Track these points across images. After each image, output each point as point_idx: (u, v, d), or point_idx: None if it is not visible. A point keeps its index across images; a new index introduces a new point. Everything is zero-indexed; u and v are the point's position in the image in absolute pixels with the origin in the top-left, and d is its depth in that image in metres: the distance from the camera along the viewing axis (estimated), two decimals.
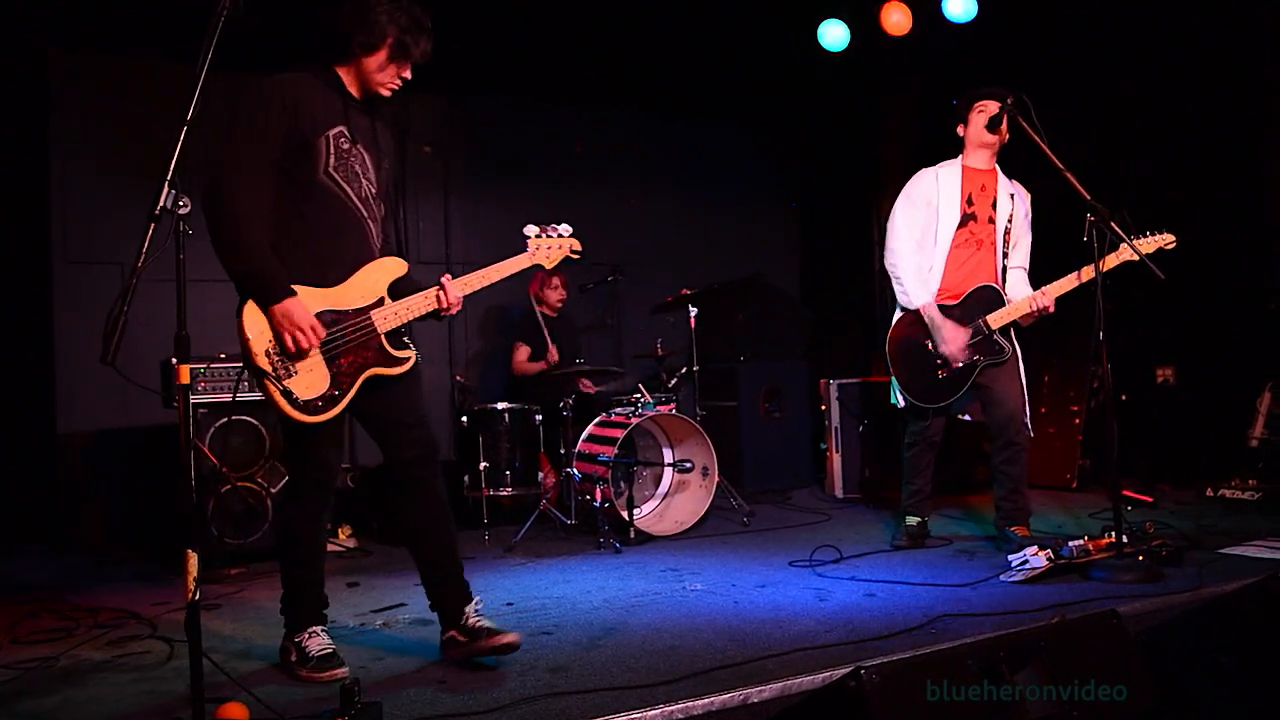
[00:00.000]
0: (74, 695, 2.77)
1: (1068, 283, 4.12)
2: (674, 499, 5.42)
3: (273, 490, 4.65)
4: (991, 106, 4.24)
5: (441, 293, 2.87)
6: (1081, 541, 3.70)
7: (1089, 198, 3.71)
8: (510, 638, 2.78)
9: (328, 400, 2.71)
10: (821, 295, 7.79)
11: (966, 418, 4.46)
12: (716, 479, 5.23)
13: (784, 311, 7.06)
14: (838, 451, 6.14)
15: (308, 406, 2.67)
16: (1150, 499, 5.11)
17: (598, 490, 4.85)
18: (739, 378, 6.48)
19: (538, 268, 3.15)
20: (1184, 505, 5.12)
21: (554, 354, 5.98)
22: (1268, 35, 5.54)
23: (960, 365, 4.20)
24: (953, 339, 4.20)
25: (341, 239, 2.79)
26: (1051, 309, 4.15)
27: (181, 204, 2.29)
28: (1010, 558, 3.73)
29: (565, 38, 6.37)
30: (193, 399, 4.51)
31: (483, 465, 5.24)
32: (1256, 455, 5.31)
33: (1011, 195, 4.38)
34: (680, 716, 2.40)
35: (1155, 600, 3.19)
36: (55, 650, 3.21)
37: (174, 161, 2.32)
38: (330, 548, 4.94)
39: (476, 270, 3.06)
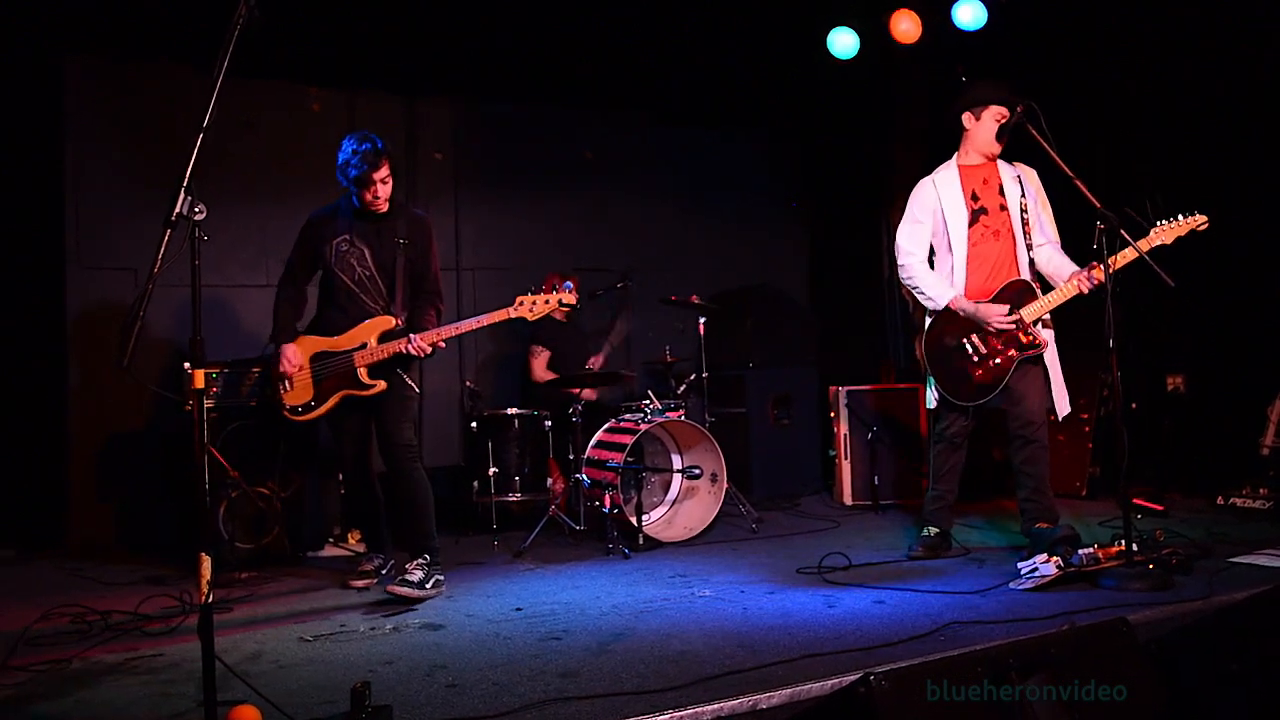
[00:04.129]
0: (87, 697, 2.79)
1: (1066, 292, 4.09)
2: (682, 505, 5.42)
3: (283, 495, 4.68)
4: (1004, 114, 4.20)
5: (408, 343, 3.94)
6: (1091, 549, 3.69)
7: (1099, 205, 3.71)
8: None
9: (305, 407, 4.07)
10: (831, 302, 7.78)
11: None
12: (725, 486, 5.23)
13: (793, 318, 7.06)
14: (847, 459, 6.14)
15: (291, 410, 4.08)
16: (1160, 507, 5.09)
17: (606, 496, 4.85)
18: (748, 384, 6.48)
19: (520, 320, 4.07)
20: (1194, 513, 5.11)
21: (599, 360, 6.07)
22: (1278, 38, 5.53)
23: (1001, 359, 4.15)
24: (994, 313, 4.14)
25: (339, 307, 4.11)
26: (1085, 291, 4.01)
27: (197, 210, 2.31)
28: (1020, 565, 3.72)
29: (575, 44, 6.39)
30: (206, 403, 4.58)
31: (492, 471, 5.26)
32: (1267, 463, 5.28)
33: (1017, 178, 4.33)
34: None
35: (1166, 609, 3.19)
36: (68, 653, 3.23)
37: (190, 168, 2.35)
38: (340, 552, 4.99)
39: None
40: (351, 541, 5.15)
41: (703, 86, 7.10)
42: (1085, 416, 6.01)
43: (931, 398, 4.42)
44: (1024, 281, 4.20)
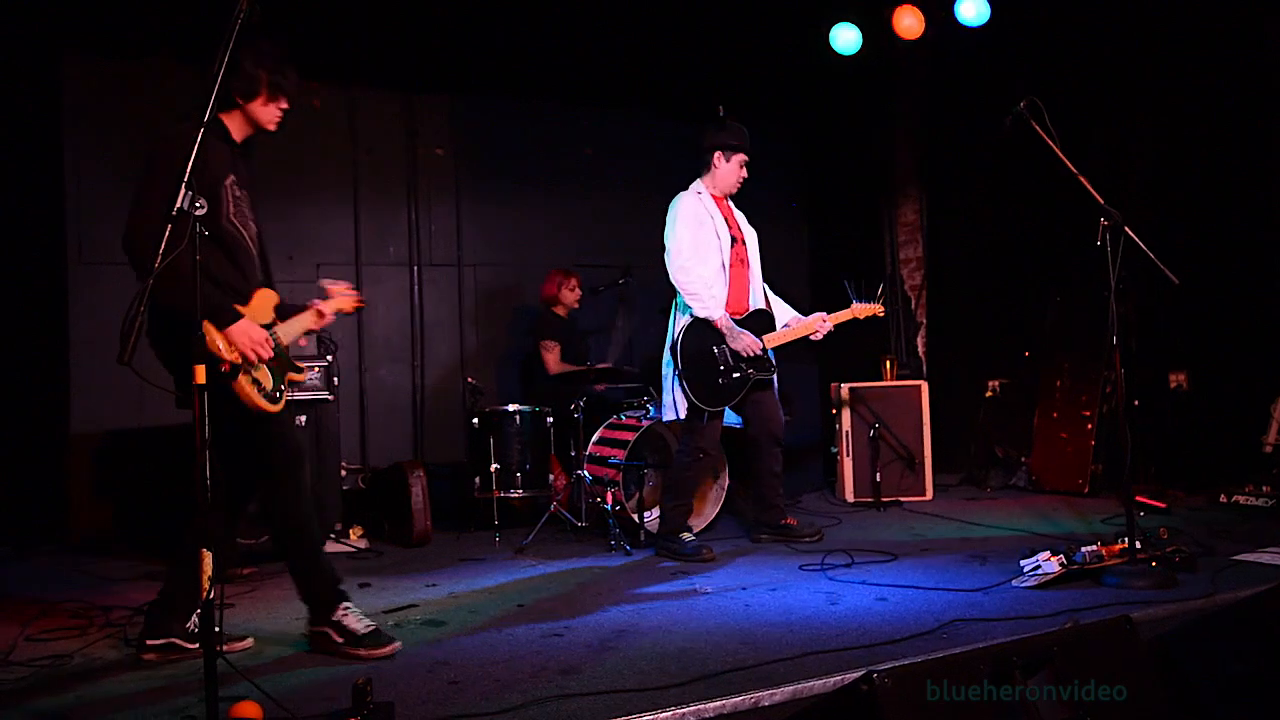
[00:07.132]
0: (87, 693, 2.78)
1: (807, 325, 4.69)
2: None
3: None
4: (744, 160, 4.69)
5: (317, 314, 3.22)
6: (1094, 547, 3.68)
7: (1102, 201, 3.70)
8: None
9: (275, 394, 3.10)
10: (831, 300, 7.75)
11: (736, 423, 4.75)
12: (727, 482, 5.22)
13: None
14: (849, 455, 6.13)
15: (270, 397, 3.05)
16: (1163, 504, 5.08)
17: (608, 493, 4.85)
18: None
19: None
20: (1197, 511, 5.09)
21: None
22: None
23: (740, 374, 4.52)
24: (752, 342, 4.54)
25: (244, 272, 3.09)
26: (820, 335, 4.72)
27: (198, 205, 2.30)
28: (1023, 563, 3.72)
29: (575, 41, 6.39)
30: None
31: (494, 467, 5.25)
32: (1270, 461, 5.27)
33: (744, 217, 4.82)
34: None
35: (1168, 606, 3.18)
36: (68, 648, 3.23)
37: (190, 163, 2.34)
38: (342, 548, 4.97)
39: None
40: (353, 537, 5.13)
41: (704, 83, 7.07)
42: (1088, 414, 6.00)
43: (679, 408, 4.60)
44: (768, 313, 4.72)
